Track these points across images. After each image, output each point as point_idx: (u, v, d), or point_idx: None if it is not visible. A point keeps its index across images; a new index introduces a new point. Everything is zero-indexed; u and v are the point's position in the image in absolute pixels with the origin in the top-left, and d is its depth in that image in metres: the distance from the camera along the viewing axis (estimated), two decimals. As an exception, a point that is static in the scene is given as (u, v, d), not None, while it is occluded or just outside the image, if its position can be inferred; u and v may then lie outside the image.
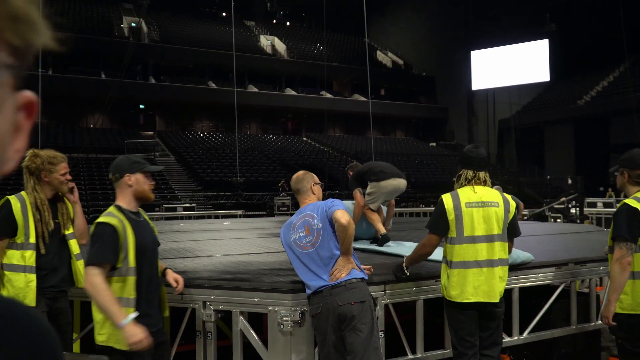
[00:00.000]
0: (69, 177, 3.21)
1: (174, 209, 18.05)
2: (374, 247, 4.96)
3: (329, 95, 38.47)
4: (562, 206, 17.08)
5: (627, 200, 3.11)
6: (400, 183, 5.08)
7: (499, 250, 3.13)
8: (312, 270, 2.94)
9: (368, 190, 5.09)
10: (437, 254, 3.80)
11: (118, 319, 2.49)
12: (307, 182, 3.19)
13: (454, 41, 39.63)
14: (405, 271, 3.38)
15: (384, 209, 5.44)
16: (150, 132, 34.14)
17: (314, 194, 3.18)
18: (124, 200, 2.79)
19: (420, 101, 43.61)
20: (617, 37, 21.89)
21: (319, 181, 3.25)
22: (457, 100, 40.98)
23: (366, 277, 3.02)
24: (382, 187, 5.00)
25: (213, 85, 35.67)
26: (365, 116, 27.06)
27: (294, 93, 38.49)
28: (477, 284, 3.06)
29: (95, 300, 2.55)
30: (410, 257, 3.35)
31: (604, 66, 34.20)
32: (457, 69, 39.52)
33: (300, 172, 3.28)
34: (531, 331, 4.00)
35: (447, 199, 3.17)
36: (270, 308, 3.14)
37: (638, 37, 20.13)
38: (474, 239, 3.09)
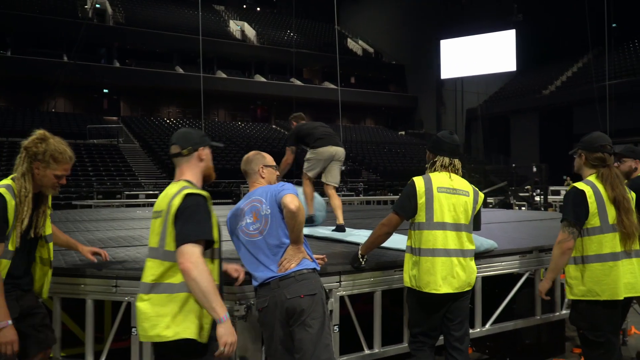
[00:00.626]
0: (64, 181, 2.65)
1: (136, 196, 17.52)
2: (327, 234, 4.74)
3: (298, 83, 38.07)
4: (527, 194, 17.22)
5: (576, 184, 3.04)
6: (338, 150, 5.03)
7: (467, 240, 2.94)
8: (260, 260, 2.69)
9: (307, 156, 5.06)
10: (399, 243, 3.58)
11: (220, 311, 2.15)
12: (256, 164, 2.92)
13: (424, 30, 39.65)
14: (361, 260, 3.15)
15: (321, 199, 5.40)
16: (114, 118, 33.21)
17: (262, 177, 2.91)
18: (194, 177, 2.44)
19: (390, 89, 43.60)
20: (582, 28, 22.12)
21: (271, 163, 2.97)
22: (427, 89, 41.13)
23: (318, 268, 2.77)
24: (320, 154, 4.98)
25: (180, 71, 34.85)
26: (335, 104, 26.79)
27: (263, 80, 37.95)
28: (446, 273, 2.85)
29: (196, 286, 2.13)
30: (366, 243, 3.11)
31: (569, 57, 34.76)
32: (426, 57, 39.62)
33: (251, 153, 3.00)
34: (494, 322, 3.83)
35: (418, 181, 2.95)
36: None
37: (602, 28, 20.38)
38: (444, 226, 2.89)
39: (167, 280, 2.27)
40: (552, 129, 31.85)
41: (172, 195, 2.31)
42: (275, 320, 2.61)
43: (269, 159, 2.97)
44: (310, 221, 5.10)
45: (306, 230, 4.46)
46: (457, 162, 3.04)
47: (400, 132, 41.37)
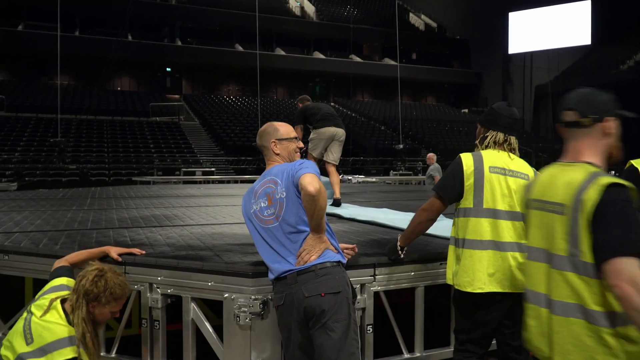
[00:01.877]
0: (118, 315, 2.48)
1: (193, 173, 17.64)
2: (360, 216, 4.40)
3: (358, 59, 37.26)
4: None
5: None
6: (338, 131, 5.46)
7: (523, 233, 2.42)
8: (276, 250, 2.29)
9: (311, 136, 5.53)
10: (445, 229, 3.10)
11: None
12: (267, 138, 2.48)
13: (490, 2, 37.67)
14: (400, 253, 2.69)
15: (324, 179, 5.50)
16: (176, 96, 33.77)
17: (276, 154, 2.47)
18: (596, 157, 1.79)
19: (453, 66, 41.94)
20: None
21: (287, 136, 2.49)
22: (492, 64, 39.23)
23: (344, 261, 2.34)
24: (321, 134, 5.42)
25: (240, 48, 34.86)
26: (395, 81, 26.04)
27: (322, 57, 37.39)
28: (494, 270, 2.36)
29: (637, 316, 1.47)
30: (406, 232, 2.65)
31: (650, 30, 32.10)
32: (493, 31, 37.71)
33: (264, 125, 2.57)
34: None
35: (466, 158, 2.47)
36: (226, 295, 2.50)
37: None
38: (495, 213, 2.39)
39: (593, 306, 1.62)
40: (630, 106, 29.37)
41: (579, 184, 1.68)
42: (292, 320, 2.22)
43: (283, 130, 2.50)
44: (337, 204, 5.37)
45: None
46: (513, 139, 2.52)
47: (463, 110, 39.84)
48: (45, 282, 3.08)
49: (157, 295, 2.68)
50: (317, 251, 2.22)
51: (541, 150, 22.87)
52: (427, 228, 2.58)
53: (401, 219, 4.28)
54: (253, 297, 2.44)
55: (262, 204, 2.36)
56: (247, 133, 26.46)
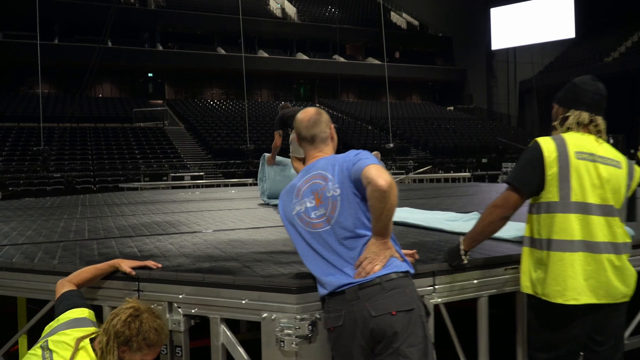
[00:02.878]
0: None
1: (182, 178, 17.15)
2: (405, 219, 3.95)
3: (341, 59, 36.96)
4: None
5: None
6: None
7: (621, 230, 2.05)
8: (327, 260, 1.91)
9: (290, 138, 5.93)
10: (510, 230, 2.74)
11: None
12: (326, 123, 2.11)
13: (472, -2, 37.71)
14: (463, 257, 2.31)
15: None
16: (159, 101, 33.18)
17: (332, 140, 2.11)
18: None
19: (437, 63, 41.85)
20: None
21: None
22: (476, 61, 39.20)
23: (412, 271, 1.95)
24: None
25: (222, 52, 34.35)
26: (379, 80, 25.74)
27: (305, 58, 37.02)
28: (588, 276, 1.98)
29: None
30: (472, 234, 2.24)
31: (633, 21, 32.22)
32: (475, 28, 37.73)
33: (311, 110, 2.14)
34: (634, 333, 2.89)
35: (546, 143, 2.06)
36: (264, 315, 2.10)
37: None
38: (585, 208, 2.01)
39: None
40: (615, 99, 29.68)
41: None
42: (353, 345, 1.82)
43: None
44: None
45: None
46: (600, 120, 2.13)
47: (448, 108, 39.74)
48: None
49: (178, 316, 2.27)
50: (382, 259, 1.83)
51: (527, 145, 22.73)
52: (500, 228, 2.17)
53: (432, 218, 3.92)
54: (299, 316, 2.04)
55: (308, 204, 1.96)
56: (234, 136, 25.98)
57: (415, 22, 43.56)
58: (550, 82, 34.18)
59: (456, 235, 3.15)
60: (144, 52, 32.38)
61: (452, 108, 39.75)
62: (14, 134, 23.31)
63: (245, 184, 16.25)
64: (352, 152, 1.94)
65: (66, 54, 29.47)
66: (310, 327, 2.03)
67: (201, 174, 18.55)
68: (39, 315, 2.66)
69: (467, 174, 19.36)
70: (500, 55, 37.66)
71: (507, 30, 35.74)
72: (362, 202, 1.86)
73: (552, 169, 2.02)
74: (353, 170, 1.85)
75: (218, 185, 15.66)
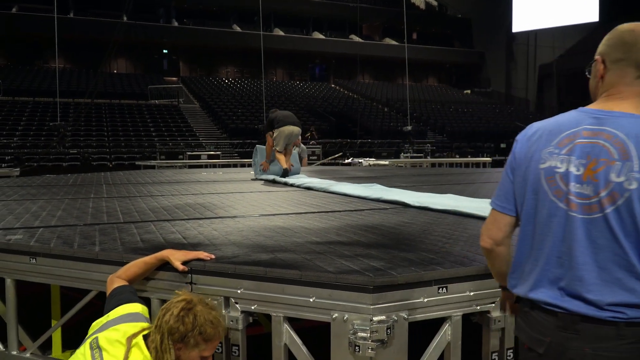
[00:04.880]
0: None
1: (198, 157, 17.00)
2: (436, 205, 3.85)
3: (358, 39, 36.40)
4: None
5: None
6: (294, 129, 6.97)
7: None
8: (576, 258, 1.31)
9: (274, 135, 6.97)
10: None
11: None
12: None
13: (494, -21, 36.86)
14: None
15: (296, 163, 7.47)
16: (174, 78, 32.95)
17: None
18: None
19: (454, 45, 41.13)
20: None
21: None
22: (495, 44, 38.47)
23: None
24: (281, 132, 6.90)
25: (238, 29, 33.94)
26: (396, 62, 25.24)
27: (321, 37, 36.50)
28: None
29: None
30: None
31: (660, 5, 31.35)
32: (496, 9, 36.90)
33: (629, 25, 1.46)
34: None
35: None
36: (335, 315, 1.92)
37: None
38: None
39: None
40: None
41: None
42: None
43: None
44: (285, 173, 6.85)
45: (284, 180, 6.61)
46: None
47: (465, 91, 39.13)
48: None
49: (236, 312, 2.09)
50: None
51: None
52: None
53: (475, 207, 3.69)
54: (376, 318, 1.85)
55: (572, 168, 1.33)
56: (250, 115, 25.75)
57: (434, 3, 42.75)
58: (571, 67, 33.52)
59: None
60: (159, 28, 32.05)
61: (469, 91, 39.16)
62: (30, 108, 23.26)
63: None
64: None
65: (81, 28, 29.29)
66: (388, 330, 1.84)
67: (218, 153, 18.40)
68: (80, 305, 2.50)
69: (488, 159, 19.05)
70: (520, 38, 36.92)
71: (528, 12, 34.98)
72: None
73: None
74: None
75: (235, 165, 15.50)
